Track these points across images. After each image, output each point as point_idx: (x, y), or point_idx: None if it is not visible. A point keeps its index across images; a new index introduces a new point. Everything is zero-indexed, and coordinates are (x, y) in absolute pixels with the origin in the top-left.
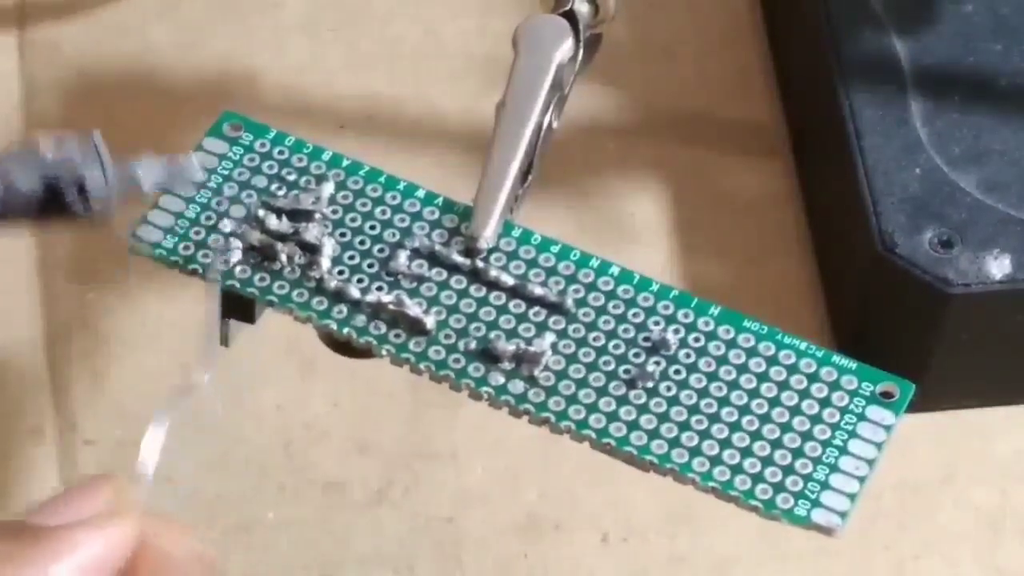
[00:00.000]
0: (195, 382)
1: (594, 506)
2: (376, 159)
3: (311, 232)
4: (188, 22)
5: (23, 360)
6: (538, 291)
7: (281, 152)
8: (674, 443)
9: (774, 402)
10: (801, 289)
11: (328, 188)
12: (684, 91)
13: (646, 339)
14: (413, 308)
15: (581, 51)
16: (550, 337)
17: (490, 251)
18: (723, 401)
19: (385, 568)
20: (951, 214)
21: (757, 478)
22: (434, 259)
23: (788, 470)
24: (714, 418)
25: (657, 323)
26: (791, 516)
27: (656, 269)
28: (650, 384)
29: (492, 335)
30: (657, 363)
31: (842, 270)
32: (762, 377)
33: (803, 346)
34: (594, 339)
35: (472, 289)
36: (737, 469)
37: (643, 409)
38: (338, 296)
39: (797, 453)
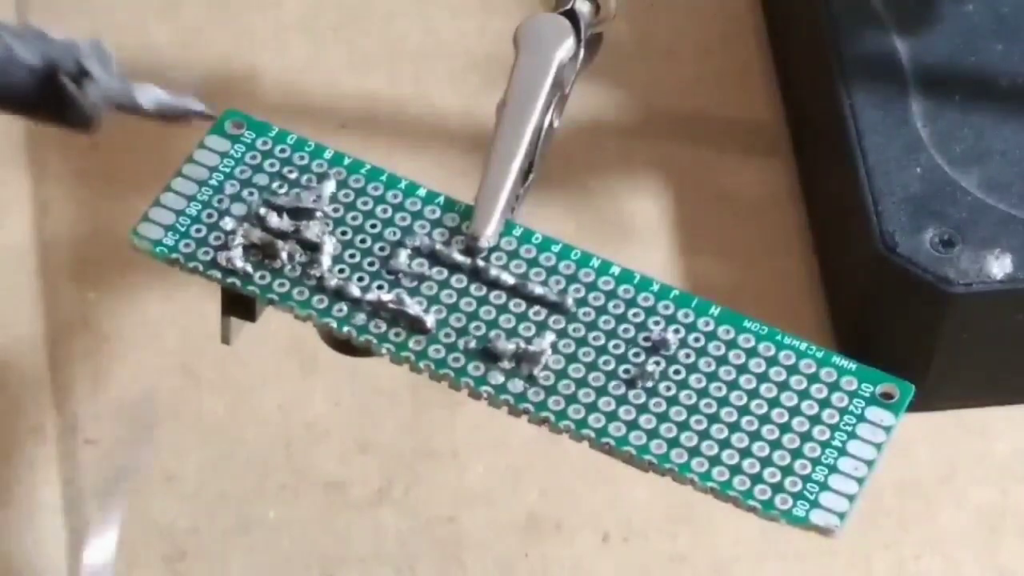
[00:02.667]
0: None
1: (595, 506)
2: (377, 158)
3: (312, 230)
4: (188, 22)
5: (24, 360)
6: (538, 290)
7: (283, 150)
8: (673, 443)
9: (773, 403)
10: (801, 289)
11: (329, 186)
12: (684, 91)
13: (646, 339)
14: (413, 307)
15: (582, 50)
16: (550, 336)
17: (491, 250)
18: (722, 401)
19: (385, 568)
20: (952, 213)
21: (756, 479)
22: (435, 258)
23: (787, 471)
24: (713, 418)
25: (657, 323)
26: (789, 517)
27: (656, 269)
28: (650, 384)
29: (492, 334)
30: (657, 363)
31: (843, 270)
32: (762, 378)
33: (803, 347)
34: (594, 338)
35: (472, 288)
36: (736, 470)
37: (642, 409)
38: (338, 294)
39: (796, 454)
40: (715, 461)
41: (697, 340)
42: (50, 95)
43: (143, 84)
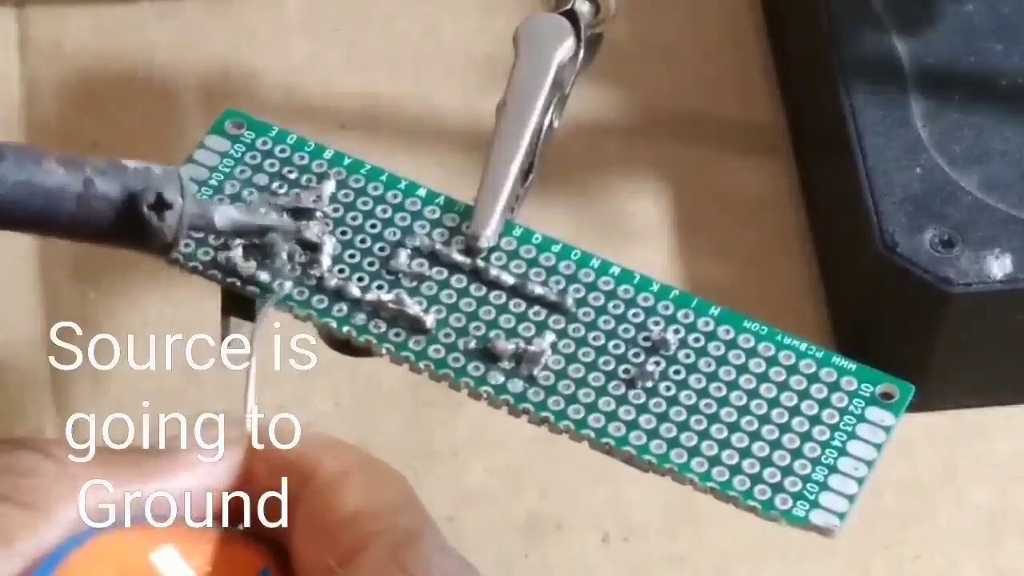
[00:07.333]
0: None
1: (595, 505)
2: (377, 158)
3: (312, 230)
4: (188, 22)
5: (24, 360)
6: (538, 290)
7: (283, 150)
8: (673, 443)
9: (773, 403)
10: (801, 289)
11: (329, 186)
12: (684, 91)
13: (646, 339)
14: (413, 307)
15: (582, 51)
16: (550, 336)
17: (491, 250)
18: (722, 401)
19: None
20: (952, 214)
21: (756, 479)
22: (435, 258)
23: (787, 471)
24: (713, 418)
25: (657, 323)
26: (789, 517)
27: (656, 269)
28: (649, 384)
29: (492, 334)
30: (657, 363)
31: (843, 270)
32: (761, 378)
33: (803, 347)
34: (594, 339)
35: (472, 288)
36: (736, 470)
37: (642, 409)
38: (338, 294)
39: (796, 454)
40: (715, 461)
41: (697, 340)
42: (131, 225)
43: (218, 206)
